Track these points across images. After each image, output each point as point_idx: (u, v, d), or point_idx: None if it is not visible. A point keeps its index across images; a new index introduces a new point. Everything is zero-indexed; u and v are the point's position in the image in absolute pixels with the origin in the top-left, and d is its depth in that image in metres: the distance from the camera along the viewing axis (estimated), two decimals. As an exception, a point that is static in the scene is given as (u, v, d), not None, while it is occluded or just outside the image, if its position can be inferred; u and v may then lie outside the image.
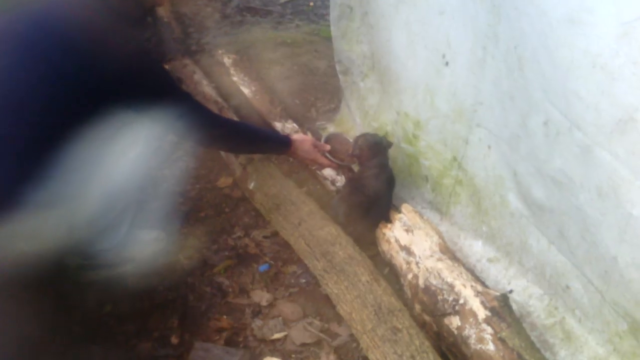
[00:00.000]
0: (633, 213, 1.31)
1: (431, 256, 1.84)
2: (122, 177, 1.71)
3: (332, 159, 2.18)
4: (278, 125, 2.67)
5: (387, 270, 2.02)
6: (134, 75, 1.61)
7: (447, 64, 1.89)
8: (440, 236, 1.94)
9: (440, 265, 1.79)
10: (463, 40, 1.78)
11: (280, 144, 2.15)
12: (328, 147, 2.19)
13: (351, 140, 2.20)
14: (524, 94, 1.59)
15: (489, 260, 2.00)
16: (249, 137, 2.08)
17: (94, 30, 1.55)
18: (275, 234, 2.18)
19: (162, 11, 3.43)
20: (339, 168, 2.31)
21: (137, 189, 1.88)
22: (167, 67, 2.98)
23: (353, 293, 1.73)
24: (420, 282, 1.78)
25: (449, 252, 1.88)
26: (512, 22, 1.53)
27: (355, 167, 2.26)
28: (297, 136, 2.20)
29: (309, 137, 2.27)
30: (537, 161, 1.62)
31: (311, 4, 4.24)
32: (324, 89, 3.09)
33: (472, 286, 1.71)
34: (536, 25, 1.43)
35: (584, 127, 1.39)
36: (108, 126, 1.57)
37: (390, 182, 2.09)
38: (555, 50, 1.40)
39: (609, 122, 1.30)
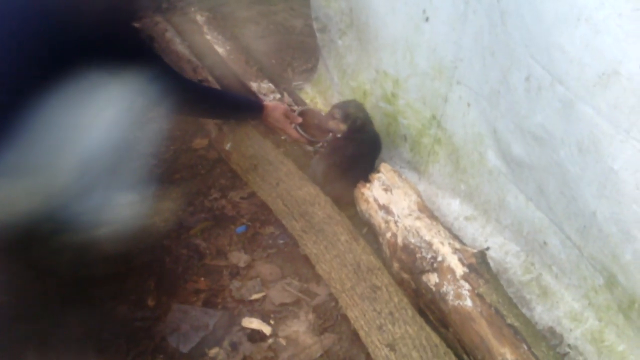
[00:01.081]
0: (613, 167, 1.31)
1: (410, 215, 1.83)
2: (96, 140, 1.65)
3: (302, 132, 2.20)
4: (254, 85, 2.61)
5: (365, 230, 2.01)
6: (104, 35, 1.56)
7: (427, 19, 1.85)
8: (419, 195, 1.93)
9: (418, 223, 1.79)
10: (444, -6, 1.74)
11: (252, 110, 2.15)
12: (300, 119, 2.20)
13: (328, 118, 2.14)
14: (506, 49, 1.56)
15: (466, 218, 2.00)
16: (220, 102, 2.07)
17: None
18: (253, 195, 2.15)
19: (131, -33, 3.30)
20: (307, 143, 2.31)
21: (112, 152, 1.81)
22: (137, 25, 2.88)
23: (332, 252, 1.72)
24: (399, 240, 1.78)
25: (427, 210, 1.88)
26: (495, -26, 1.49)
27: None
28: (271, 103, 2.20)
29: (282, 105, 2.26)
30: (517, 117, 1.61)
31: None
32: (300, 48, 3.02)
33: (450, 244, 1.71)
34: (518, -24, 1.40)
35: (566, 82, 1.38)
36: (79, 89, 1.51)
37: (371, 144, 2.07)
38: (540, 3, 1.37)
39: (592, 76, 1.29)
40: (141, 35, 1.81)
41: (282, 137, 2.31)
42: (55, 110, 1.46)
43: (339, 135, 2.06)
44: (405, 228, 1.79)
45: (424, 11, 1.84)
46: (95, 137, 1.64)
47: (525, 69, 1.50)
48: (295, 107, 2.40)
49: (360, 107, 2.10)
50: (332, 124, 2.06)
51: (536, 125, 1.54)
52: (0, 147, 1.42)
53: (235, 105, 2.15)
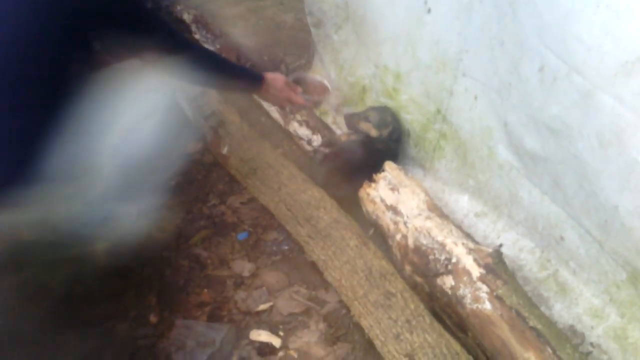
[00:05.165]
0: (638, 159, 1.25)
1: (419, 215, 1.76)
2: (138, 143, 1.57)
3: (307, 97, 2.04)
4: (247, 85, 2.52)
5: (371, 232, 1.93)
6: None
7: (429, 10, 1.77)
8: (427, 193, 1.86)
9: (429, 223, 1.72)
10: (447, -16, 1.66)
11: (252, 79, 1.96)
12: (299, 88, 2.04)
13: (317, 77, 2.08)
14: (517, 39, 1.49)
15: (477, 214, 1.94)
16: (218, 65, 1.87)
17: None
18: (253, 199, 2.07)
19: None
20: (313, 106, 2.21)
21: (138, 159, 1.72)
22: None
23: (341, 259, 1.65)
24: (410, 242, 1.71)
25: (437, 209, 1.81)
26: (504, -40, 1.42)
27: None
28: (270, 74, 2.01)
29: (281, 75, 2.11)
30: (530, 109, 1.54)
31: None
32: (292, 43, 2.93)
33: (463, 243, 1.64)
34: (531, -38, 1.33)
35: (584, 72, 1.31)
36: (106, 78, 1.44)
37: (382, 155, 2.00)
38: (553, -12, 1.30)
39: (614, 65, 1.23)
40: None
41: (287, 109, 2.11)
42: (91, 108, 1.38)
43: (353, 137, 1.99)
44: (416, 229, 1.72)
45: (426, 2, 1.76)
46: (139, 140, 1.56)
47: (539, 59, 1.43)
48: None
49: (396, 116, 2.05)
50: (363, 126, 1.99)
51: (551, 117, 1.47)
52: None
53: (235, 71, 1.98)
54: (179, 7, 3.05)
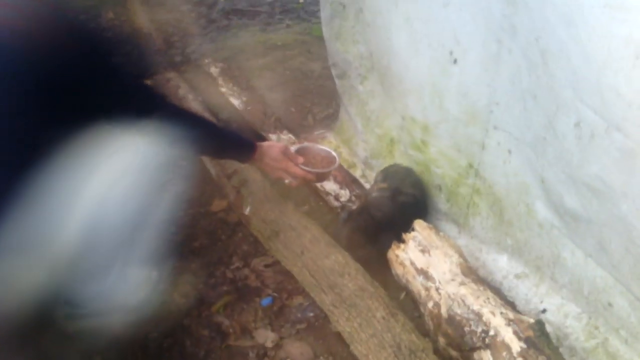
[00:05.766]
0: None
1: (453, 280, 1.63)
2: (110, 208, 1.49)
3: (308, 169, 1.87)
4: (273, 137, 2.47)
5: (403, 296, 1.81)
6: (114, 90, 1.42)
7: (455, 61, 1.67)
8: (461, 255, 1.73)
9: (463, 290, 1.58)
10: (473, 35, 1.57)
11: (242, 147, 1.80)
12: (301, 159, 1.88)
13: (325, 148, 1.97)
14: (549, 92, 1.38)
15: (517, 276, 1.79)
16: (202, 130, 1.72)
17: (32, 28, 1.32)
18: (277, 262, 1.97)
19: (142, 21, 3.23)
20: (315, 180, 1.98)
21: (131, 222, 1.66)
22: (150, 82, 2.78)
23: (368, 331, 1.53)
24: (443, 311, 1.57)
25: (472, 273, 1.67)
26: (533, 11, 1.31)
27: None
28: (265, 142, 1.88)
29: (279, 143, 2.00)
30: (568, 167, 1.41)
31: (301, 1, 4.02)
32: (320, 93, 2.88)
33: (502, 313, 1.50)
34: (563, 13, 1.22)
35: (624, 128, 1.18)
36: (85, 147, 1.36)
37: (408, 207, 1.90)
38: (588, 41, 1.19)
39: (658, 122, 1.10)
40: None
41: (286, 181, 1.92)
42: (57, 172, 1.31)
43: (374, 194, 1.89)
44: (449, 296, 1.58)
45: (451, 53, 1.67)
46: (111, 204, 1.48)
47: (574, 113, 1.31)
48: (292, 146, 2.14)
49: (406, 169, 1.98)
50: (382, 185, 1.93)
51: (591, 176, 1.34)
52: None
53: (221, 139, 1.80)
54: (206, 61, 3.05)
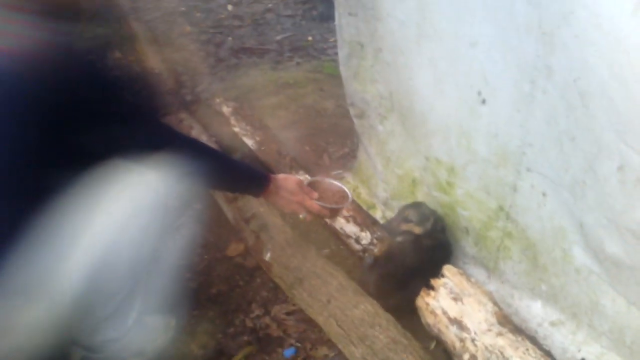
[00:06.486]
0: None
1: (489, 330, 1.55)
2: (120, 249, 1.42)
3: (323, 204, 1.78)
4: (289, 178, 2.41)
5: (433, 345, 1.73)
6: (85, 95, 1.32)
7: (484, 101, 1.62)
8: (495, 302, 1.65)
9: (501, 341, 1.51)
10: (503, 75, 1.52)
11: (256, 179, 1.71)
12: (316, 193, 1.79)
13: (336, 183, 1.88)
14: (589, 134, 1.32)
15: (552, 323, 1.71)
16: (213, 162, 1.64)
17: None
18: (300, 309, 1.89)
19: (152, 61, 3.21)
20: (330, 215, 1.91)
21: (143, 264, 1.58)
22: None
23: (403, 388, 1.44)
24: (480, 364, 1.49)
25: (509, 322, 1.60)
26: (571, 51, 1.27)
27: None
28: (280, 175, 1.80)
29: (293, 176, 1.91)
30: (610, 211, 1.35)
31: (309, 38, 4.01)
32: (334, 131, 2.83)
33: (543, 365, 1.42)
34: (605, 54, 1.17)
35: (674, 173, 1.13)
36: (89, 178, 1.31)
37: (435, 251, 1.82)
38: (633, 82, 1.14)
39: None
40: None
41: (300, 216, 1.84)
42: (65, 211, 1.26)
43: (398, 239, 1.82)
44: (486, 348, 1.50)
45: (479, 93, 1.62)
46: (118, 246, 1.41)
47: (618, 157, 1.26)
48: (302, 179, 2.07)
49: (430, 208, 1.90)
50: (405, 227, 1.84)
51: (636, 222, 1.28)
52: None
53: (233, 171, 1.71)
54: (217, 100, 3.01)
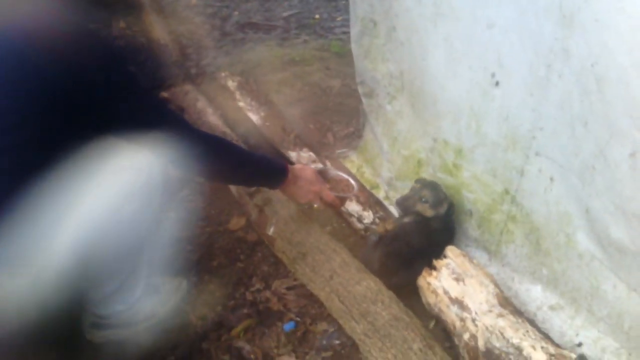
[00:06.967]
0: None
1: (490, 311, 1.56)
2: (120, 220, 1.42)
3: (337, 194, 1.82)
4: (292, 155, 2.40)
5: (432, 324, 1.74)
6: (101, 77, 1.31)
7: (497, 84, 1.62)
8: (497, 284, 1.66)
9: (502, 322, 1.52)
10: (519, 57, 1.51)
11: (274, 169, 1.68)
12: (327, 183, 1.84)
13: (340, 173, 1.92)
14: (603, 120, 1.32)
15: (551, 307, 1.72)
16: (228, 153, 1.60)
17: (49, 36, 1.23)
18: (300, 284, 1.89)
19: (158, 33, 3.17)
20: (341, 205, 1.93)
21: (143, 233, 1.57)
22: (167, 95, 2.72)
23: (403, 363, 1.45)
24: (480, 344, 1.50)
25: (510, 304, 1.61)
26: (590, 35, 1.26)
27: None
28: (296, 165, 1.79)
29: (308, 166, 1.93)
30: (619, 198, 1.36)
31: (317, 16, 3.97)
32: (339, 110, 2.82)
33: (542, 347, 1.44)
34: (626, 38, 1.17)
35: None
36: (96, 162, 1.31)
37: (440, 233, 1.83)
38: (653, 68, 1.13)
39: None
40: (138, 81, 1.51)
41: (315, 205, 1.84)
42: (65, 182, 1.26)
43: (406, 219, 1.83)
44: (487, 328, 1.52)
45: (493, 75, 1.62)
46: (114, 228, 1.40)
47: (630, 143, 1.26)
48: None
49: (445, 192, 1.89)
50: (420, 208, 1.85)
51: (645, 209, 1.29)
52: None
53: (249, 162, 1.65)
54: (223, 74, 2.99)
